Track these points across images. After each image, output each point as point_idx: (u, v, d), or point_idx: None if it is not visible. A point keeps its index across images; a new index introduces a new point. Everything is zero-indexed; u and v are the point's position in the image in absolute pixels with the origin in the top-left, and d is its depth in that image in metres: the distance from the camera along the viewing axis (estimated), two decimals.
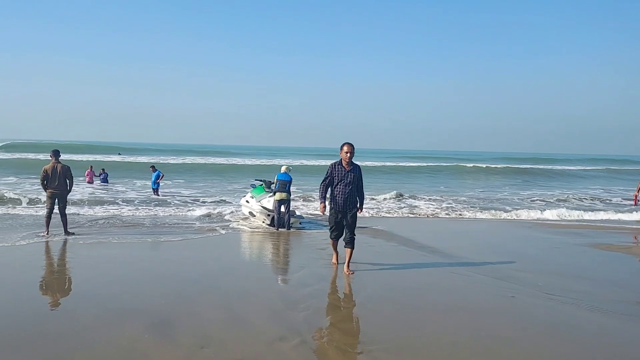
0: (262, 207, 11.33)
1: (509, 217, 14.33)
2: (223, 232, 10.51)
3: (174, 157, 44.77)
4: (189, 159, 41.72)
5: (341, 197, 6.61)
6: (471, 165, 43.73)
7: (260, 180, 12.57)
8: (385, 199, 17.48)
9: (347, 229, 6.75)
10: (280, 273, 7.28)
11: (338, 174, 6.63)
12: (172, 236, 9.72)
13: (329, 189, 6.83)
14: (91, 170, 21.17)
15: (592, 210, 15.63)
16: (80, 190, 17.77)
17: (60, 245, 8.50)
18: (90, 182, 20.64)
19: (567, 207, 16.30)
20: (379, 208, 15.29)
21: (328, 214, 6.92)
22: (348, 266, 6.73)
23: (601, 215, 14.79)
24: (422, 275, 6.90)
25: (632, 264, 8.16)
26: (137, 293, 5.68)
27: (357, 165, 6.79)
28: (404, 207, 15.75)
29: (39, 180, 9.28)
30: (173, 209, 13.70)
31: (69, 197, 9.74)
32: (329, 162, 6.84)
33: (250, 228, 11.15)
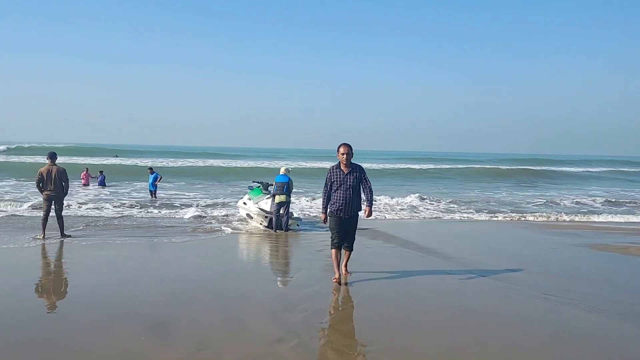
0: (259, 209, 11.32)
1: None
2: (220, 233, 10.50)
3: (173, 159, 44.70)
4: (188, 161, 41.64)
5: (342, 202, 6.07)
6: (489, 166, 42.86)
7: (258, 182, 12.57)
8: (402, 203, 17.07)
9: (348, 236, 6.27)
10: (278, 275, 7.27)
11: (337, 178, 6.11)
12: (169, 238, 9.69)
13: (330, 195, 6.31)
14: (87, 172, 21.21)
15: None
16: (77, 192, 17.76)
17: (57, 248, 8.47)
18: (87, 184, 20.65)
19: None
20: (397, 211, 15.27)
21: (329, 222, 6.36)
22: (346, 266, 6.50)
23: None
24: (420, 277, 6.90)
25: (628, 264, 8.18)
26: (133, 295, 5.66)
27: (357, 165, 6.23)
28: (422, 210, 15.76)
29: (35, 183, 9.27)
30: (170, 211, 13.66)
31: (65, 199, 9.71)
32: (330, 164, 6.36)
33: (248, 230, 11.14)
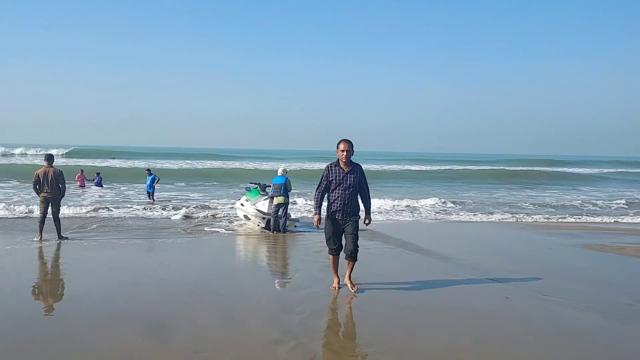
0: (257, 210, 11.31)
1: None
2: (218, 235, 10.49)
3: (172, 161, 44.63)
4: (187, 163, 41.57)
5: (339, 204, 5.58)
6: (498, 168, 42.05)
7: (255, 184, 12.58)
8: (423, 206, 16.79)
9: (348, 240, 5.73)
10: (276, 276, 7.26)
11: (335, 176, 5.59)
12: (166, 239, 9.68)
13: (325, 196, 5.80)
14: (82, 174, 21.17)
15: None
16: (74, 194, 17.71)
17: (54, 250, 8.45)
18: (82, 186, 20.63)
19: None
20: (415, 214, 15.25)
21: (324, 226, 5.85)
22: (350, 277, 5.90)
23: None
24: (419, 277, 6.90)
25: (625, 264, 8.20)
26: (130, 297, 5.65)
27: (357, 164, 5.75)
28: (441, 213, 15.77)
29: (32, 185, 9.26)
30: (167, 213, 13.63)
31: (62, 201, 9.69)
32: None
33: (245, 231, 11.14)
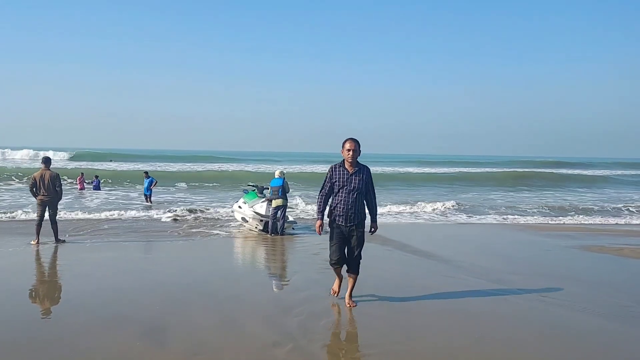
0: (254, 212, 11.30)
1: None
2: (215, 237, 10.47)
3: (171, 164, 44.52)
4: (186, 165, 41.47)
5: (344, 208, 5.12)
6: (511, 170, 40.91)
7: (253, 186, 12.56)
8: (435, 209, 16.44)
9: (351, 254, 5.29)
10: (273, 278, 7.25)
11: (340, 178, 5.14)
12: (164, 242, 9.66)
13: (329, 199, 5.35)
14: (82, 177, 21.41)
15: None
16: (72, 197, 17.68)
17: (51, 253, 8.42)
18: (82, 188, 20.79)
19: None
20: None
21: (329, 232, 5.37)
22: (350, 296, 5.42)
23: None
24: (418, 279, 6.90)
25: (623, 266, 8.20)
26: (128, 300, 5.62)
27: (364, 166, 5.26)
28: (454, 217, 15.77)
29: (28, 188, 9.24)
30: (164, 216, 13.59)
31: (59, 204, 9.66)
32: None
33: (242, 233, 11.12)
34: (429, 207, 16.59)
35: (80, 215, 13.26)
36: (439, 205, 16.87)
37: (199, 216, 13.39)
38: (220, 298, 5.72)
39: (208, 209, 14.72)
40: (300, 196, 17.56)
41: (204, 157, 57.78)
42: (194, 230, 11.30)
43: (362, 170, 5.22)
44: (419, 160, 71.34)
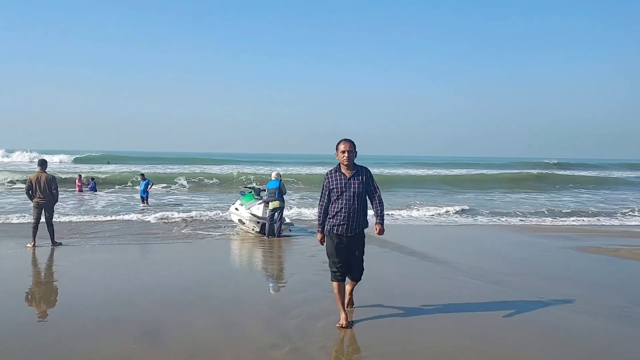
0: (251, 214, 11.28)
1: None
2: (212, 239, 10.45)
3: (169, 166, 44.37)
4: (184, 168, 41.28)
5: (343, 216, 4.65)
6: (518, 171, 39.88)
7: (250, 188, 12.55)
8: (447, 212, 16.16)
9: (352, 262, 4.85)
10: (271, 280, 7.24)
11: (337, 184, 4.70)
12: (161, 244, 9.63)
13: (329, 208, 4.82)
14: (80, 179, 21.76)
15: None
16: (69, 199, 17.63)
17: (47, 255, 8.39)
18: (80, 190, 21.05)
19: None
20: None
21: (325, 244, 4.92)
22: (350, 294, 5.24)
23: None
24: (415, 281, 6.90)
25: (620, 266, 8.22)
26: (124, 302, 5.61)
27: (362, 167, 4.83)
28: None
29: (25, 191, 9.22)
30: (161, 218, 13.57)
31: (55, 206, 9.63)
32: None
33: (239, 235, 11.10)
34: (441, 210, 16.20)
35: (77, 217, 13.23)
36: (449, 209, 16.48)
37: (193, 218, 13.37)
38: (217, 300, 5.71)
39: (205, 211, 14.69)
40: (297, 206, 17.09)
41: (203, 160, 57.62)
42: (191, 232, 11.28)
43: (360, 172, 4.77)
44: (418, 162, 70.99)
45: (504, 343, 4.42)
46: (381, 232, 4.78)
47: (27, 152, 52.15)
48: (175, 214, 13.81)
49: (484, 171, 43.07)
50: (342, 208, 4.66)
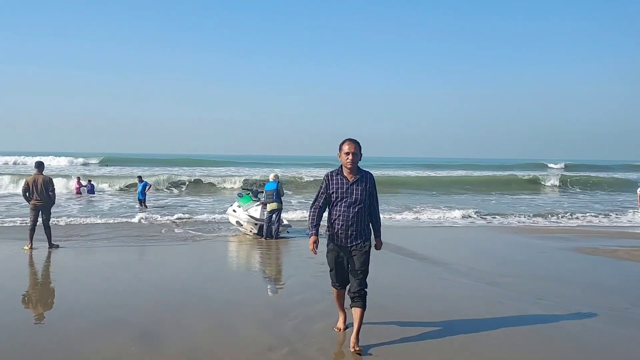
0: (249, 216, 11.28)
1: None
2: (210, 241, 10.43)
3: (168, 168, 44.22)
4: (183, 170, 41.15)
5: (343, 225, 4.22)
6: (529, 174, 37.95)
7: (247, 190, 12.55)
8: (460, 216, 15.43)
9: (354, 275, 4.31)
10: (269, 282, 7.23)
11: (337, 188, 4.25)
12: (158, 246, 9.62)
13: (324, 213, 4.41)
14: (79, 181, 21.80)
15: None
16: (68, 201, 17.59)
17: (44, 258, 8.36)
18: (78, 193, 21.12)
19: None
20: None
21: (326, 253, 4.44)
22: (357, 337, 4.21)
23: None
24: (413, 282, 6.90)
25: (617, 267, 8.24)
26: (122, 304, 5.59)
27: (366, 172, 4.38)
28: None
29: (22, 193, 9.20)
30: (158, 220, 13.55)
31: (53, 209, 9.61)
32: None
33: (237, 237, 11.09)
34: (455, 214, 15.76)
35: (75, 220, 13.20)
36: (461, 213, 15.81)
37: (192, 219, 13.36)
38: (215, 302, 5.70)
39: (203, 213, 14.68)
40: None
41: (203, 161, 57.48)
42: (188, 234, 11.26)
43: (364, 179, 4.30)
44: (418, 163, 70.65)
45: (502, 344, 4.42)
46: (380, 246, 4.63)
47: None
48: (174, 216, 13.79)
49: (483, 173, 42.88)
50: (340, 216, 4.23)
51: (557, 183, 31.36)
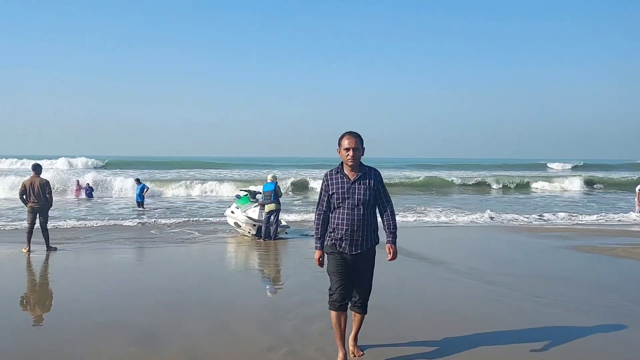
0: (247, 217, 11.26)
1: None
2: (207, 243, 10.41)
3: (169, 170, 44.13)
4: (182, 172, 41.06)
5: (347, 230, 3.73)
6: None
7: (245, 191, 12.53)
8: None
9: (358, 286, 3.92)
10: (268, 283, 7.22)
11: (338, 188, 3.77)
12: (156, 248, 9.59)
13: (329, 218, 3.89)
14: (78, 184, 21.81)
15: None
16: (66, 204, 17.55)
17: (42, 260, 8.33)
18: (78, 196, 21.18)
19: None
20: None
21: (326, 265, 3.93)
22: (355, 339, 4.08)
23: None
24: (411, 282, 6.89)
25: (615, 265, 8.25)
26: (121, 306, 5.58)
27: (371, 169, 3.89)
28: None
29: (19, 195, 9.18)
30: (156, 222, 13.53)
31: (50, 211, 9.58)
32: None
33: (234, 238, 11.08)
34: (467, 219, 15.51)
35: (72, 223, 13.16)
36: (475, 216, 15.43)
37: (190, 221, 13.34)
38: (214, 303, 5.69)
39: (203, 215, 14.66)
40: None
41: (203, 163, 57.37)
42: (187, 236, 11.24)
43: (368, 175, 3.82)
44: (416, 164, 70.33)
45: (501, 342, 4.42)
46: (394, 254, 3.88)
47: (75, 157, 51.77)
48: (172, 219, 13.76)
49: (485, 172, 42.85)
50: (342, 219, 3.74)
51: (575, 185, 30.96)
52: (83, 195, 21.26)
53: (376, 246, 3.94)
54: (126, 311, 5.36)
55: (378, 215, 3.94)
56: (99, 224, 12.93)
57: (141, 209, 16.83)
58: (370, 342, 4.38)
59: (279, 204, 10.95)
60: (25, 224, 9.36)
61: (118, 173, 32.89)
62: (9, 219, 13.55)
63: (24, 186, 9.07)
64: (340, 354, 3.86)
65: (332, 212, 3.83)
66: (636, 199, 16.11)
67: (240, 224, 11.54)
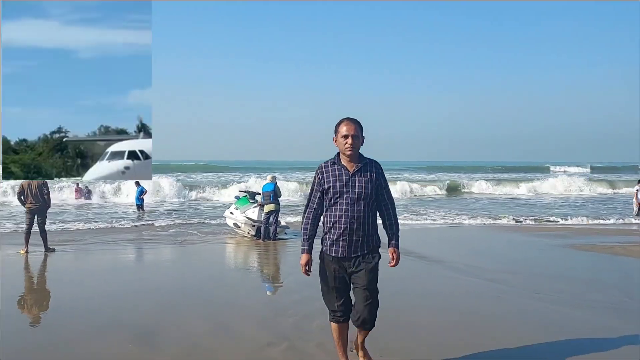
0: (246, 218, 11.25)
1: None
2: (207, 243, 10.40)
3: (170, 173, 44.08)
4: (181, 175, 40.99)
5: (345, 228, 3.23)
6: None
7: (244, 192, 12.54)
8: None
9: (359, 299, 3.33)
10: (267, 281, 7.21)
11: (335, 181, 3.25)
12: (155, 249, 9.57)
13: (321, 216, 3.41)
14: (78, 186, 21.94)
15: None
16: (65, 205, 17.55)
17: (41, 261, 8.31)
18: (78, 197, 21.41)
19: None
20: None
21: (319, 272, 3.47)
22: (363, 344, 3.60)
23: None
24: (412, 280, 6.88)
25: (614, 263, 8.26)
26: (120, 305, 5.56)
27: (371, 160, 3.38)
28: None
29: (17, 196, 9.18)
30: (155, 223, 13.51)
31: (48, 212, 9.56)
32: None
33: (234, 238, 11.06)
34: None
35: (72, 224, 13.15)
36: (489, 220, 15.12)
37: (189, 223, 13.33)
38: (213, 302, 5.68)
39: (202, 217, 14.65)
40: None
41: (203, 166, 57.33)
42: (186, 236, 11.23)
43: (369, 167, 3.32)
44: (416, 167, 69.89)
45: (501, 340, 4.41)
46: (397, 259, 3.44)
47: None
48: (171, 220, 13.75)
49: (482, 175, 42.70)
50: (340, 216, 3.22)
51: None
52: (82, 197, 21.46)
53: (379, 249, 3.42)
54: (125, 311, 5.34)
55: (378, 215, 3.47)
56: (97, 226, 12.92)
57: (141, 211, 16.82)
58: (373, 337, 4.36)
59: (279, 204, 10.95)
60: (24, 225, 9.34)
61: None
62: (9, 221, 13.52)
63: (21, 187, 9.06)
64: (341, 352, 3.54)
65: (327, 210, 3.31)
66: (634, 199, 16.12)
67: (239, 224, 11.53)
